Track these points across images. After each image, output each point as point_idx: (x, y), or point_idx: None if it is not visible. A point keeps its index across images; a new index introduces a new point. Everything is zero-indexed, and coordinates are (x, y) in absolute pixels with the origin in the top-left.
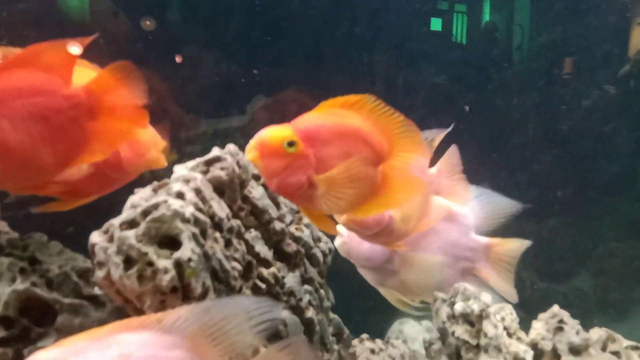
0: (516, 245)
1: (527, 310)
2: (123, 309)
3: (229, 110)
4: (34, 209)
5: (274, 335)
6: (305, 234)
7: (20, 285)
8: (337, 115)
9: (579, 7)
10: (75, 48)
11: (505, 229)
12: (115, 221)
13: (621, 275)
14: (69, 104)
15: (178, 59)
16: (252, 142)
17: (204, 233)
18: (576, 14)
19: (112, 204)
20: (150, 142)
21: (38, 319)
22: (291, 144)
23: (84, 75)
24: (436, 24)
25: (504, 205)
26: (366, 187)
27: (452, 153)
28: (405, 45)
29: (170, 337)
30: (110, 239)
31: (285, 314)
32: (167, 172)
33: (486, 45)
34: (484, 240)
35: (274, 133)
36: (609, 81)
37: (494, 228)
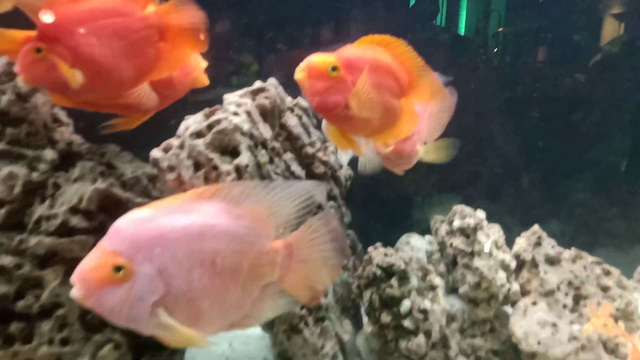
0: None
1: None
2: None
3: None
4: (104, 131)
5: None
6: (332, 159)
7: (101, 184)
8: (373, 50)
9: None
10: None
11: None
12: (174, 140)
13: (586, 222)
14: (143, 24)
15: None
16: (302, 65)
17: (256, 146)
18: (550, 3)
19: None
20: (194, 62)
21: (113, 215)
22: (334, 68)
23: None
24: None
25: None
26: (390, 115)
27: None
28: (385, 25)
29: (237, 208)
30: (181, 146)
31: None
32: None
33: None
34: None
35: (320, 58)
36: (581, 70)
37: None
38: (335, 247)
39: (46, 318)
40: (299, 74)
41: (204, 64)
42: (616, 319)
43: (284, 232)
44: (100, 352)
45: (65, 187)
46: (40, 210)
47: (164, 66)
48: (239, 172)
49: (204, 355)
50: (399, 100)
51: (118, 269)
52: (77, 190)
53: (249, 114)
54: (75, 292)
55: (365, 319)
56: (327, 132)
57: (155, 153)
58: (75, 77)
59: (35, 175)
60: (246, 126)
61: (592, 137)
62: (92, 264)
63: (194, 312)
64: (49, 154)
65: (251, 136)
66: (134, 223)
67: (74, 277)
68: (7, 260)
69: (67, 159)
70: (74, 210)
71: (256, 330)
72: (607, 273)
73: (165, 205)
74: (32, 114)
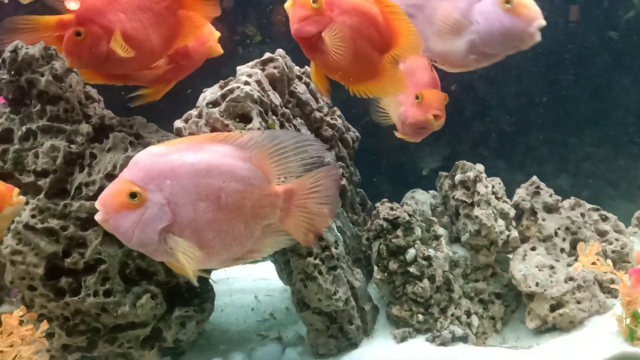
0: None
1: None
2: None
3: None
4: (132, 104)
5: None
6: (339, 122)
7: (131, 152)
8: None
9: None
10: None
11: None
12: (194, 111)
13: (593, 174)
14: None
15: None
16: None
17: (266, 113)
18: None
19: None
20: (208, 33)
21: None
22: (315, 0)
23: None
24: None
25: None
26: (367, 65)
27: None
28: None
29: (244, 152)
30: (200, 115)
31: None
32: None
33: None
34: None
35: None
36: (615, 27)
37: None
38: (333, 194)
39: (91, 273)
40: (288, 2)
41: (217, 34)
42: (613, 261)
43: (286, 180)
44: (139, 301)
45: (100, 156)
46: (80, 177)
47: (187, 32)
48: None
49: (232, 307)
50: (380, 55)
51: (133, 195)
52: (111, 158)
53: (259, 83)
54: (98, 216)
55: (376, 269)
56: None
57: (178, 123)
58: (122, 49)
59: (74, 147)
60: (256, 94)
61: (617, 94)
62: (112, 191)
63: (200, 242)
64: (85, 127)
65: (261, 103)
66: (150, 157)
67: (98, 202)
68: (55, 223)
69: (100, 132)
70: (110, 176)
71: (279, 284)
72: (605, 219)
73: (179, 143)
74: (67, 92)
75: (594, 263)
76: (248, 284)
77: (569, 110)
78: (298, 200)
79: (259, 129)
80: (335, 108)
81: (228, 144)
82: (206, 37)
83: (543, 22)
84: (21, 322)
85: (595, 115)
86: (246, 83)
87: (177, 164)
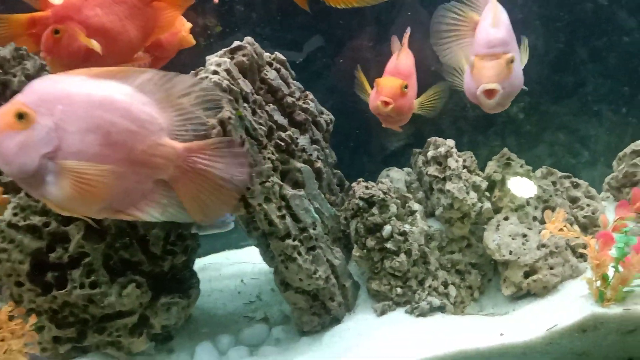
0: None
1: None
2: None
3: None
4: None
5: (295, 183)
6: (311, 106)
7: None
8: None
9: None
10: None
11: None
12: None
13: (568, 143)
14: None
15: None
16: None
17: (237, 101)
18: None
19: None
20: (179, 24)
21: None
22: None
23: None
24: None
25: None
26: None
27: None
28: None
29: (144, 96)
30: None
31: (301, 165)
32: None
33: None
34: None
35: None
36: None
37: None
38: (238, 172)
39: (76, 266)
40: None
41: (188, 25)
42: (585, 226)
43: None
44: (125, 291)
45: None
46: None
47: (163, 22)
48: (223, 124)
49: (219, 291)
50: None
51: (21, 116)
52: None
53: (228, 71)
54: None
55: (355, 246)
56: None
57: None
58: (94, 43)
59: None
60: (225, 83)
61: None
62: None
63: None
64: None
65: (231, 92)
66: (46, 81)
67: None
68: (37, 219)
69: None
70: None
71: (265, 267)
72: (576, 185)
73: (81, 73)
74: None
75: (561, 229)
76: (234, 269)
77: (546, 80)
78: (196, 163)
79: (229, 118)
80: (308, 92)
81: (128, 84)
82: (178, 28)
83: (489, 86)
84: (11, 317)
85: (574, 84)
86: (215, 72)
87: (74, 91)
